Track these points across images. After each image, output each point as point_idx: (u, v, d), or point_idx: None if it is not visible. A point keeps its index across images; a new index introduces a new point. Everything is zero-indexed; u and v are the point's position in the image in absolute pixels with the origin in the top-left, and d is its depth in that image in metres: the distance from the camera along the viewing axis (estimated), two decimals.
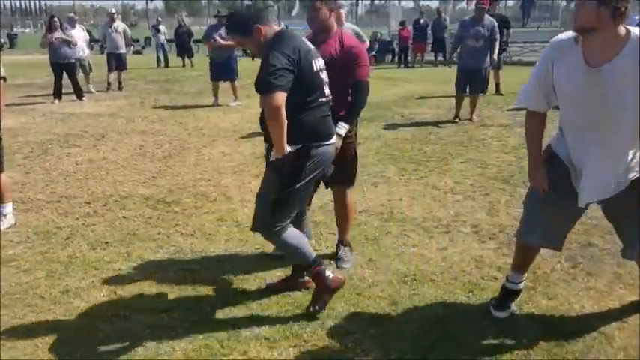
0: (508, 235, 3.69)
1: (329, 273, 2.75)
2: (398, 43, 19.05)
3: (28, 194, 4.80)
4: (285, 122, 2.37)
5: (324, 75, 2.64)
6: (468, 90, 7.63)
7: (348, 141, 3.12)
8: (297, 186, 2.57)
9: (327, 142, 2.64)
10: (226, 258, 3.46)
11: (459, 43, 7.59)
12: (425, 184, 4.94)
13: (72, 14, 12.32)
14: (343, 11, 7.02)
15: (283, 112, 2.34)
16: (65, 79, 10.19)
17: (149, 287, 3.08)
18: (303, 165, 2.55)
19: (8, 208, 4.06)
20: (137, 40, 24.55)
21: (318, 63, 2.60)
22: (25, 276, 3.25)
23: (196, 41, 18.34)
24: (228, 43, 8.45)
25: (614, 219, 2.53)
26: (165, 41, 18.75)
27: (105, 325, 2.69)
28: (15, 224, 4.05)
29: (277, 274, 3.17)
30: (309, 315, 2.73)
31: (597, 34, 2.10)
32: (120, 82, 11.94)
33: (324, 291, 2.73)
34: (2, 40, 19.57)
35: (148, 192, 4.84)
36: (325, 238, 3.71)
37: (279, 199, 2.56)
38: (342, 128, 2.95)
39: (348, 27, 6.99)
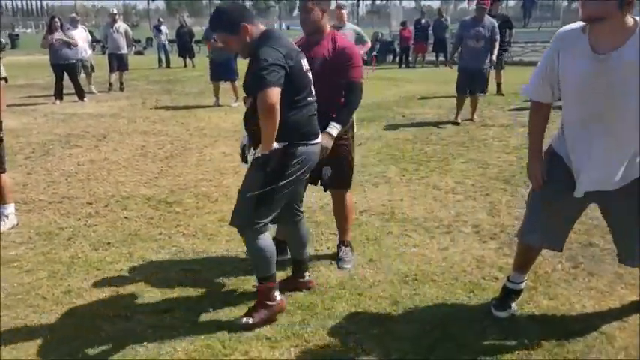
0: (509, 235, 3.70)
1: (277, 295, 2.68)
2: (399, 44, 19.07)
3: (30, 195, 4.81)
4: (278, 119, 2.35)
5: (310, 75, 2.64)
6: (468, 91, 7.62)
7: (342, 142, 3.10)
8: (282, 183, 2.54)
9: (313, 142, 2.63)
10: (228, 258, 3.47)
11: (460, 43, 7.58)
12: (426, 185, 4.94)
13: (74, 14, 12.35)
14: (345, 12, 7.03)
15: (278, 108, 2.32)
16: (66, 79, 10.20)
17: (151, 287, 3.08)
18: (288, 163, 2.53)
19: (10, 208, 4.07)
20: (138, 41, 24.57)
21: (305, 62, 2.61)
22: (27, 276, 3.26)
23: (198, 42, 18.38)
24: None
25: (612, 226, 2.54)
26: (167, 42, 18.78)
27: (107, 326, 2.70)
28: (17, 225, 4.06)
29: (278, 275, 3.17)
30: (309, 315, 2.74)
31: (605, 23, 2.11)
32: (121, 83, 11.96)
33: (265, 308, 2.65)
34: (4, 41, 19.58)
35: (150, 192, 4.85)
36: (327, 239, 3.71)
37: (263, 195, 2.53)
38: (334, 128, 2.93)
39: (350, 27, 7.01)
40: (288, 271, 3.11)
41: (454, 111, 7.88)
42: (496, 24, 7.51)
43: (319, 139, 2.70)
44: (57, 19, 10.18)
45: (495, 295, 2.83)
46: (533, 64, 14.48)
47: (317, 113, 2.72)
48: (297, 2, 3.11)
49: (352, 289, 3.02)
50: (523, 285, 2.80)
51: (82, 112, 9.18)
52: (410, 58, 18.62)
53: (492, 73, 9.58)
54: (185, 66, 17.94)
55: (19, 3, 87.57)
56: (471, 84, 7.54)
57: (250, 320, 2.62)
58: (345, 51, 2.99)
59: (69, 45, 10.09)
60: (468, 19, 7.79)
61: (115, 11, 12.26)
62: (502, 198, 4.52)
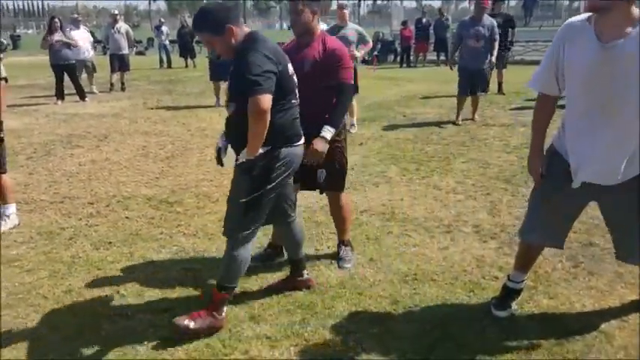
0: (509, 234, 3.70)
1: (224, 310, 2.67)
2: (400, 43, 19.05)
3: (32, 195, 4.82)
4: (268, 125, 2.35)
5: (295, 78, 2.62)
6: (469, 91, 7.60)
7: (336, 145, 3.10)
8: (269, 187, 2.54)
9: (296, 144, 2.63)
10: None
11: (459, 43, 7.55)
12: (426, 184, 4.95)
13: (76, 15, 12.37)
14: (347, 11, 7.04)
15: (269, 115, 2.32)
16: (67, 80, 10.22)
17: (151, 287, 3.09)
18: (273, 166, 2.52)
19: (11, 208, 4.08)
20: (140, 41, 24.58)
21: (290, 66, 2.59)
22: (28, 276, 3.27)
23: (199, 42, 18.34)
24: None
25: (612, 224, 2.53)
26: (168, 42, 18.79)
27: (107, 325, 2.71)
28: (18, 225, 4.07)
29: (278, 275, 3.18)
30: (309, 314, 2.75)
31: (610, 14, 2.12)
32: (123, 83, 11.97)
33: (211, 317, 2.61)
34: (5, 42, 19.61)
35: (151, 192, 4.86)
36: (327, 238, 3.72)
37: (251, 201, 2.52)
38: (328, 132, 2.93)
39: (352, 27, 7.02)
40: (287, 272, 3.11)
41: (455, 110, 7.88)
42: (495, 23, 7.47)
43: (302, 141, 2.68)
44: (56, 20, 10.18)
45: (495, 294, 2.83)
46: (534, 63, 14.45)
47: (308, 115, 2.73)
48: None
49: (352, 289, 3.03)
50: (523, 284, 2.80)
51: (83, 113, 9.20)
52: (411, 58, 18.62)
53: (494, 72, 9.60)
54: (186, 66, 17.95)
55: (21, 3, 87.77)
56: (472, 84, 7.52)
57: (192, 325, 2.56)
58: (335, 52, 2.98)
59: (69, 46, 10.09)
60: (467, 18, 7.74)
61: (116, 12, 12.29)
62: (503, 197, 4.52)
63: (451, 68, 8.05)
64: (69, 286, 3.13)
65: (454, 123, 7.66)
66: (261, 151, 2.44)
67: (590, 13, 2.20)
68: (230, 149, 2.52)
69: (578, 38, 2.24)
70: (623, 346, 2.47)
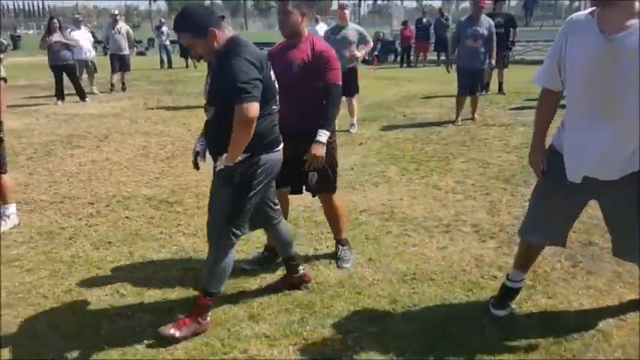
0: (508, 234, 3.70)
1: (208, 315, 2.66)
2: (400, 43, 19.05)
3: (32, 195, 4.83)
4: (252, 134, 2.33)
5: (277, 84, 2.60)
6: (468, 91, 7.59)
7: (328, 147, 3.07)
8: (250, 194, 2.53)
9: (276, 149, 2.61)
10: None
11: (457, 43, 7.52)
12: (426, 184, 4.95)
13: (77, 15, 12.38)
14: (347, 11, 7.05)
15: (255, 123, 2.31)
16: (67, 80, 10.22)
17: (151, 286, 3.10)
18: (254, 173, 2.51)
19: (12, 208, 4.10)
20: (140, 42, 24.59)
21: (272, 71, 2.57)
22: (29, 276, 3.28)
23: None
24: None
25: (612, 221, 2.54)
26: (169, 42, 18.80)
27: (107, 324, 2.72)
28: (18, 224, 4.08)
29: (277, 274, 3.19)
30: (308, 314, 2.76)
31: (614, 7, 2.13)
32: (123, 83, 11.98)
33: (196, 323, 2.60)
34: (5, 42, 19.61)
35: (151, 192, 4.87)
36: (325, 238, 3.72)
37: (234, 209, 2.53)
38: (323, 135, 2.94)
39: (353, 27, 7.04)
40: (284, 271, 3.12)
41: (455, 110, 7.87)
42: (493, 23, 7.46)
43: (281, 146, 2.66)
44: (55, 21, 10.18)
45: (494, 294, 2.83)
46: (534, 63, 14.39)
47: (296, 116, 2.75)
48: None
49: (351, 288, 3.03)
50: (522, 284, 2.80)
51: (83, 113, 9.21)
52: (411, 58, 18.62)
53: (495, 71, 9.59)
54: (187, 66, 17.96)
55: (21, 4, 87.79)
56: (471, 84, 7.51)
57: (177, 334, 2.55)
58: (323, 54, 2.98)
59: (67, 46, 10.09)
60: (464, 19, 7.71)
61: (117, 12, 12.31)
62: (502, 197, 4.52)
63: (448, 71, 8.05)
64: (69, 285, 3.14)
65: (454, 123, 7.66)
66: (240, 158, 2.43)
67: (594, 8, 2.22)
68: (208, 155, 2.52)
69: (581, 31, 2.25)
70: (621, 345, 2.47)
